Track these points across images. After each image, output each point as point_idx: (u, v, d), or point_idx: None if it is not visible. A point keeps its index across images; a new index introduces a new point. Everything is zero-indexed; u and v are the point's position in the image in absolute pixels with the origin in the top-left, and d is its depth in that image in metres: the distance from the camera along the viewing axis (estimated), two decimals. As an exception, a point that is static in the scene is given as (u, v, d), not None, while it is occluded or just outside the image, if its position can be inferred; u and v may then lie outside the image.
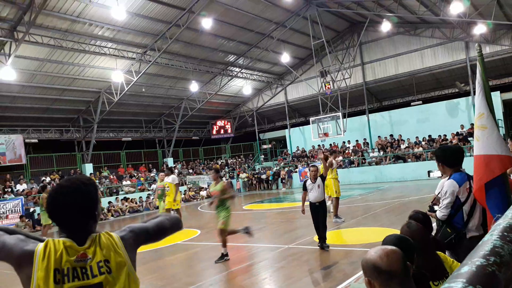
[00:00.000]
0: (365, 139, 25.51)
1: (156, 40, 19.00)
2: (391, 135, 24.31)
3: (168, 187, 11.73)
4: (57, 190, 1.62)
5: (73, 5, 15.21)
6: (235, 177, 27.66)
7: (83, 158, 23.59)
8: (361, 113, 26.35)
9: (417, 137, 22.79)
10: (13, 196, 17.67)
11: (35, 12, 14.02)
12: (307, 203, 7.62)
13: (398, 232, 2.56)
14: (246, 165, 29.68)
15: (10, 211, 16.23)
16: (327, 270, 6.15)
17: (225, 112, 31.30)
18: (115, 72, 19.24)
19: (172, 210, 11.70)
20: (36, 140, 21.94)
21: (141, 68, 19.86)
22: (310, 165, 9.02)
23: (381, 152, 23.45)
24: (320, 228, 7.30)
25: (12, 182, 19.46)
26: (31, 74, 18.13)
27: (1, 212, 15.96)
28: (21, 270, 1.53)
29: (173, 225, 1.92)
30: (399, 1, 18.64)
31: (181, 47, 20.82)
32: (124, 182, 23.08)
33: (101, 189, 21.47)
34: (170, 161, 27.94)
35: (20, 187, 19.09)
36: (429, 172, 19.75)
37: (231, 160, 31.00)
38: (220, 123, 30.60)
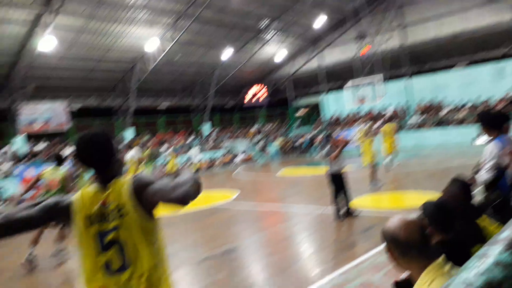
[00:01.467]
0: (404, 103, 24.67)
1: (189, 6, 18.80)
2: (433, 100, 23.36)
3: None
4: (79, 139, 1.85)
5: (108, -28, 15.22)
6: (268, 144, 27.75)
7: (123, 124, 24.34)
8: (401, 77, 25.35)
9: (460, 102, 21.79)
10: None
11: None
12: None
13: (437, 196, 2.52)
14: (280, 131, 29.61)
15: (51, 174, 17.13)
16: (366, 233, 6.14)
17: (259, 78, 31.01)
18: (150, 40, 19.37)
19: None
20: (78, 107, 22.78)
21: (174, 35, 19.84)
22: (331, 135, 7.98)
23: (422, 117, 22.66)
24: (345, 195, 7.24)
25: (59, 147, 20.47)
26: (69, 44, 18.53)
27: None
28: (67, 220, 1.81)
29: (182, 197, 1.66)
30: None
31: (214, 13, 20.52)
32: (162, 149, 23.73)
33: (140, 155, 22.16)
34: (206, 127, 28.33)
35: (67, 151, 20.03)
36: (473, 138, 18.96)
37: (265, 126, 31.01)
38: (254, 89, 30.45)
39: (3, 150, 19.13)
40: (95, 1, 16.43)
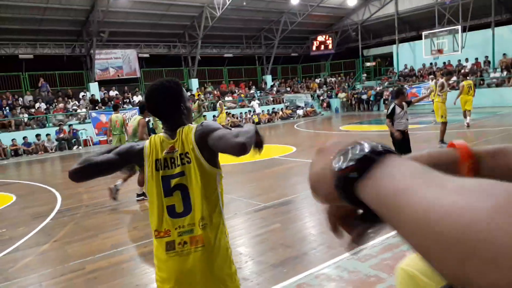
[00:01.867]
0: (486, 57, 22.40)
1: None
2: (520, 53, 20.94)
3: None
4: (148, 89, 1.94)
5: None
6: (333, 96, 27.02)
7: (189, 73, 24.95)
8: (486, 26, 22.80)
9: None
10: (131, 106, 19.74)
11: None
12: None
13: None
14: (346, 84, 28.56)
15: (128, 120, 18.28)
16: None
17: (327, 26, 29.62)
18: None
19: None
20: (147, 55, 23.62)
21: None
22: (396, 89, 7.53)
23: (505, 73, 20.53)
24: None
25: (130, 93, 21.64)
26: (141, -10, 18.92)
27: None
28: (140, 162, 1.93)
29: (233, 148, 1.66)
30: None
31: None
32: (226, 98, 24.13)
33: (206, 103, 22.80)
34: (268, 79, 28.13)
35: (136, 98, 21.14)
36: None
37: (330, 78, 30.04)
38: (320, 38, 29.24)
39: (80, 95, 20.66)
40: None
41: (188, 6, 21.43)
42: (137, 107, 8.42)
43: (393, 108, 6.87)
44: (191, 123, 1.97)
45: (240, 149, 1.64)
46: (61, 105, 19.21)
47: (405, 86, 23.29)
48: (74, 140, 17.50)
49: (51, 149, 16.78)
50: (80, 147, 17.41)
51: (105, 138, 16.13)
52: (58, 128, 17.36)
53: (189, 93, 23.27)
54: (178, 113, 1.91)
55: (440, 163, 0.56)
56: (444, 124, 9.77)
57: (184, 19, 22.72)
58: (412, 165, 0.39)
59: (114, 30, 20.85)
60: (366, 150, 0.43)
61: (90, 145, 17.85)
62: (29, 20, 18.47)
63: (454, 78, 19.84)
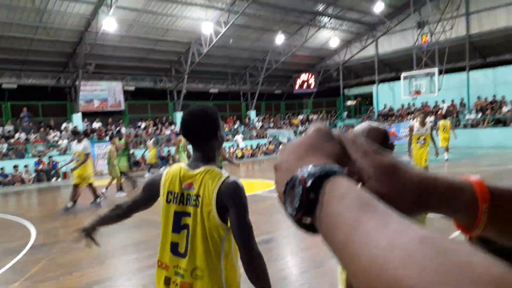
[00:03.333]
0: (462, 99, 23.35)
1: (245, -10, 18.83)
2: (494, 96, 21.89)
3: (78, 156, 9.02)
4: (187, 113, 1.85)
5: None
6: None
7: (174, 107, 25.11)
8: (461, 70, 23.91)
9: (525, 100, 20.27)
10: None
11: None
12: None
13: None
14: (328, 121, 29.16)
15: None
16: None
17: (310, 65, 30.57)
18: (205, 23, 19.64)
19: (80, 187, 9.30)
20: (133, 88, 23.76)
21: (229, 18, 19.99)
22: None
23: (480, 114, 21.36)
24: None
25: (113, 126, 21.55)
26: (130, 25, 19.29)
27: (104, 153, 17.80)
28: (156, 196, 1.93)
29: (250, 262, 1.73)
30: None
31: (269, -3, 20.41)
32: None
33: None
34: (252, 114, 28.52)
35: (121, 130, 21.04)
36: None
37: (313, 115, 30.65)
38: (303, 77, 30.07)
39: (63, 126, 20.46)
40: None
41: (175, 42, 21.89)
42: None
43: None
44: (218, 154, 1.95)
45: (248, 258, 1.69)
46: (40, 135, 18.95)
47: (385, 124, 23.90)
48: (53, 172, 17.16)
49: (29, 181, 16.39)
50: (59, 179, 17.05)
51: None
52: (37, 159, 17.04)
53: (172, 127, 23.34)
54: (213, 140, 1.83)
55: (450, 196, 0.49)
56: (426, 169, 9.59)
57: (171, 54, 23.13)
58: (354, 199, 0.38)
59: (101, 62, 21.03)
60: (308, 183, 0.42)
61: (69, 178, 17.50)
62: (16, 50, 18.51)
63: (431, 118, 20.51)
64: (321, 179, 0.42)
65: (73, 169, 9.23)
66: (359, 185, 0.49)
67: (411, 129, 9.02)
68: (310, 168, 0.44)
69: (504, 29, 21.54)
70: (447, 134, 15.25)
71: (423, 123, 8.91)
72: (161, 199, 1.85)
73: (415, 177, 0.48)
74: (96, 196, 9.53)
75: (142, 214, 7.03)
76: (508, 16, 21.30)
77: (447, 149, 15.03)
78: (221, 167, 2.21)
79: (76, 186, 9.25)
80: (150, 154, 16.59)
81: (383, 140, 1.76)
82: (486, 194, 0.49)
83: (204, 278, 1.73)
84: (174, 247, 1.79)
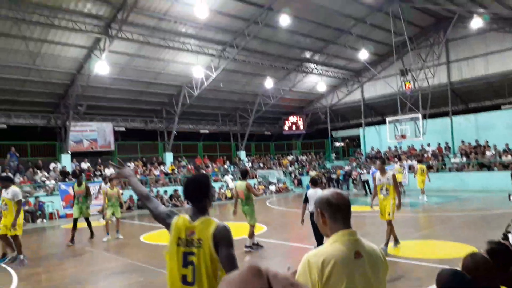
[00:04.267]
0: (446, 143, 23.95)
1: (236, 37, 19.60)
2: (477, 141, 22.53)
3: (6, 205, 8.18)
4: (186, 181, 2.63)
5: (161, 4, 16.30)
6: (304, 174, 27.66)
7: (164, 147, 25.24)
8: (444, 115, 24.71)
9: (506, 144, 20.88)
10: (101, 179, 19.48)
11: (127, 11, 15.31)
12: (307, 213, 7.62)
13: (474, 249, 2.44)
14: (317, 162, 29.48)
15: (99, 193, 17.93)
16: (389, 284, 6.02)
17: (298, 108, 31.30)
18: (196, 67, 20.22)
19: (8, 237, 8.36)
20: (123, 129, 23.90)
21: (220, 64, 20.63)
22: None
23: (464, 158, 21.87)
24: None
25: (102, 166, 21.48)
26: (122, 68, 19.74)
27: (92, 193, 17.63)
28: (168, 231, 2.55)
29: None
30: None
31: (258, 44, 21.22)
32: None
33: (179, 177, 22.83)
34: (242, 155, 28.74)
35: (108, 171, 20.97)
36: (510, 195, 18.00)
37: (302, 156, 30.98)
38: (292, 119, 30.71)
39: (51, 166, 20.32)
40: (150, 28, 17.51)
41: (167, 85, 22.38)
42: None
43: (306, 194, 7.64)
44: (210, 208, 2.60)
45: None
46: (27, 175, 18.77)
47: (372, 167, 24.26)
48: (39, 213, 16.87)
49: (12, 222, 16.03)
50: (45, 220, 16.73)
51: (71, 212, 15.76)
52: (23, 200, 16.76)
53: (162, 167, 23.35)
54: (204, 199, 2.54)
55: None
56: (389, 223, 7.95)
57: (162, 96, 23.55)
58: None
59: (92, 103, 21.28)
60: None
61: (55, 219, 17.20)
62: (7, 91, 18.69)
63: (397, 165, 20.91)
64: None
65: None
66: None
67: (374, 178, 8.34)
68: None
69: (482, 77, 22.55)
70: (424, 177, 16.72)
71: (382, 172, 8.05)
72: (172, 239, 2.47)
73: None
74: (19, 252, 8.43)
75: (128, 259, 7.05)
76: (486, 65, 22.36)
77: (423, 192, 16.59)
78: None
79: (3, 237, 8.32)
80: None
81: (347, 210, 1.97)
82: None
83: None
84: (184, 278, 2.39)
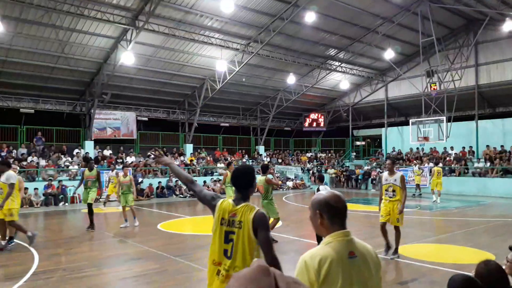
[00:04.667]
0: (471, 147, 23.38)
1: (260, 32, 19.59)
2: (502, 146, 21.91)
3: (1, 189, 8.21)
4: (235, 170, 2.95)
5: (188, -3, 16.43)
6: (322, 171, 27.52)
7: (185, 138, 25.56)
8: (469, 118, 24.12)
9: (534, 152, 20.22)
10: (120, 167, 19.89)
11: (155, 3, 15.49)
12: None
13: (491, 256, 2.40)
14: (336, 160, 29.26)
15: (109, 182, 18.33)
16: (403, 286, 5.99)
17: (320, 105, 31.08)
18: (220, 61, 20.33)
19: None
20: (146, 118, 24.33)
21: (243, 58, 20.68)
22: None
23: (488, 163, 21.32)
24: None
25: (123, 154, 21.93)
26: (147, 59, 20.05)
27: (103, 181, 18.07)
28: (212, 212, 2.88)
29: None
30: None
31: (282, 40, 21.15)
32: (218, 165, 24.51)
33: (198, 168, 23.10)
34: (261, 149, 28.80)
35: (130, 159, 21.40)
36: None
37: (321, 154, 30.81)
38: (313, 116, 30.53)
39: (74, 152, 20.89)
40: (176, 20, 17.71)
41: (190, 77, 22.60)
42: (130, 169, 9.01)
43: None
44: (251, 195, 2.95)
45: (270, 260, 2.54)
46: (52, 160, 19.35)
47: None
48: (62, 196, 17.40)
49: (37, 204, 16.62)
50: (67, 204, 17.26)
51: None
52: (47, 183, 17.34)
53: (182, 158, 23.66)
54: (249, 188, 2.88)
55: None
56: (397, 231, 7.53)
57: (185, 88, 23.81)
58: None
59: (117, 92, 21.71)
60: None
61: (77, 203, 17.71)
62: (36, 77, 19.29)
63: (428, 165, 20.49)
64: None
65: None
66: None
67: (380, 179, 7.85)
68: None
69: (510, 81, 21.86)
70: (440, 179, 17.17)
71: (391, 172, 7.55)
72: (216, 220, 2.80)
73: None
74: (25, 231, 8.58)
75: (144, 246, 7.23)
76: (516, 69, 21.66)
77: (439, 193, 17.10)
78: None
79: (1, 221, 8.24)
80: (110, 186, 17.03)
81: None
82: None
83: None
84: (225, 252, 2.74)
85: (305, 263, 1.86)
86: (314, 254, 1.88)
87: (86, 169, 11.35)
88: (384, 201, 7.48)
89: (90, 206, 10.76)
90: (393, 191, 7.37)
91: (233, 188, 2.96)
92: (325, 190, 2.10)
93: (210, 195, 2.98)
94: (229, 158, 26.04)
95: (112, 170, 16.33)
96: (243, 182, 2.86)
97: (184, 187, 20.89)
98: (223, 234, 2.75)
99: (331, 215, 1.97)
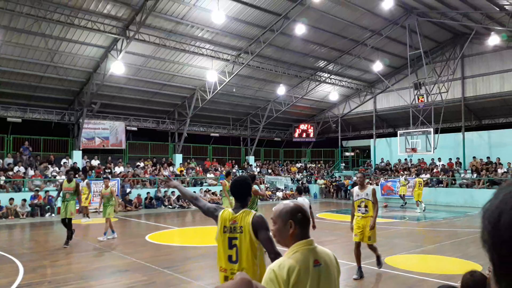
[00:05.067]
0: (458, 158, 23.71)
1: (250, 43, 19.76)
2: (488, 158, 22.27)
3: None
4: (234, 180, 3.23)
5: (179, 8, 16.53)
6: (312, 182, 27.60)
7: (174, 148, 25.45)
8: (456, 130, 24.51)
9: (519, 163, 20.58)
10: (110, 177, 19.70)
11: (146, 13, 15.54)
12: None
13: (478, 267, 2.46)
14: (325, 171, 29.40)
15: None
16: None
17: (309, 116, 31.31)
18: (210, 71, 20.40)
19: None
20: (135, 128, 24.19)
21: (234, 69, 20.79)
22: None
23: (475, 175, 21.61)
24: None
25: (112, 164, 21.74)
26: (137, 69, 20.02)
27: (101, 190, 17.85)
28: (215, 222, 3.14)
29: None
30: (511, 14, 17.01)
31: (273, 51, 21.35)
32: (208, 175, 24.41)
33: (187, 179, 22.98)
34: (251, 159, 28.81)
35: (118, 169, 21.21)
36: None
37: (311, 164, 30.93)
38: (303, 126, 30.73)
39: (62, 162, 20.64)
40: (167, 31, 17.76)
41: (181, 87, 22.60)
42: (118, 179, 8.78)
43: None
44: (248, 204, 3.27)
45: (273, 256, 2.73)
46: (39, 170, 19.08)
47: (380, 178, 24.13)
48: (48, 207, 17.13)
49: (23, 215, 16.34)
50: (53, 215, 16.98)
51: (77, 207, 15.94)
52: (34, 193, 17.07)
53: (171, 168, 23.55)
54: (247, 197, 3.20)
55: None
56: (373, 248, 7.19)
57: (175, 98, 23.79)
58: None
59: (106, 102, 21.58)
60: None
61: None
62: (25, 85, 19.10)
63: (411, 177, 20.73)
64: None
65: None
66: None
67: (351, 194, 7.33)
68: None
69: (497, 94, 22.35)
70: (421, 190, 17.99)
71: (362, 186, 7.10)
72: (219, 228, 3.07)
73: None
74: None
75: (132, 258, 7.18)
76: (502, 82, 22.16)
77: (417, 203, 18.03)
78: (256, 210, 5.16)
79: None
80: (82, 197, 15.38)
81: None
82: None
83: (248, 272, 2.77)
84: (230, 258, 2.99)
85: (274, 272, 1.90)
86: (282, 264, 1.93)
87: (65, 180, 10.68)
88: (357, 217, 7.04)
89: (65, 221, 10.04)
90: (365, 206, 6.96)
91: (229, 199, 3.22)
92: (290, 201, 2.19)
93: (212, 207, 3.26)
94: (218, 169, 25.99)
95: (83, 180, 14.93)
96: (241, 192, 3.17)
97: (173, 197, 20.78)
98: (226, 241, 3.01)
99: (302, 225, 2.05)
